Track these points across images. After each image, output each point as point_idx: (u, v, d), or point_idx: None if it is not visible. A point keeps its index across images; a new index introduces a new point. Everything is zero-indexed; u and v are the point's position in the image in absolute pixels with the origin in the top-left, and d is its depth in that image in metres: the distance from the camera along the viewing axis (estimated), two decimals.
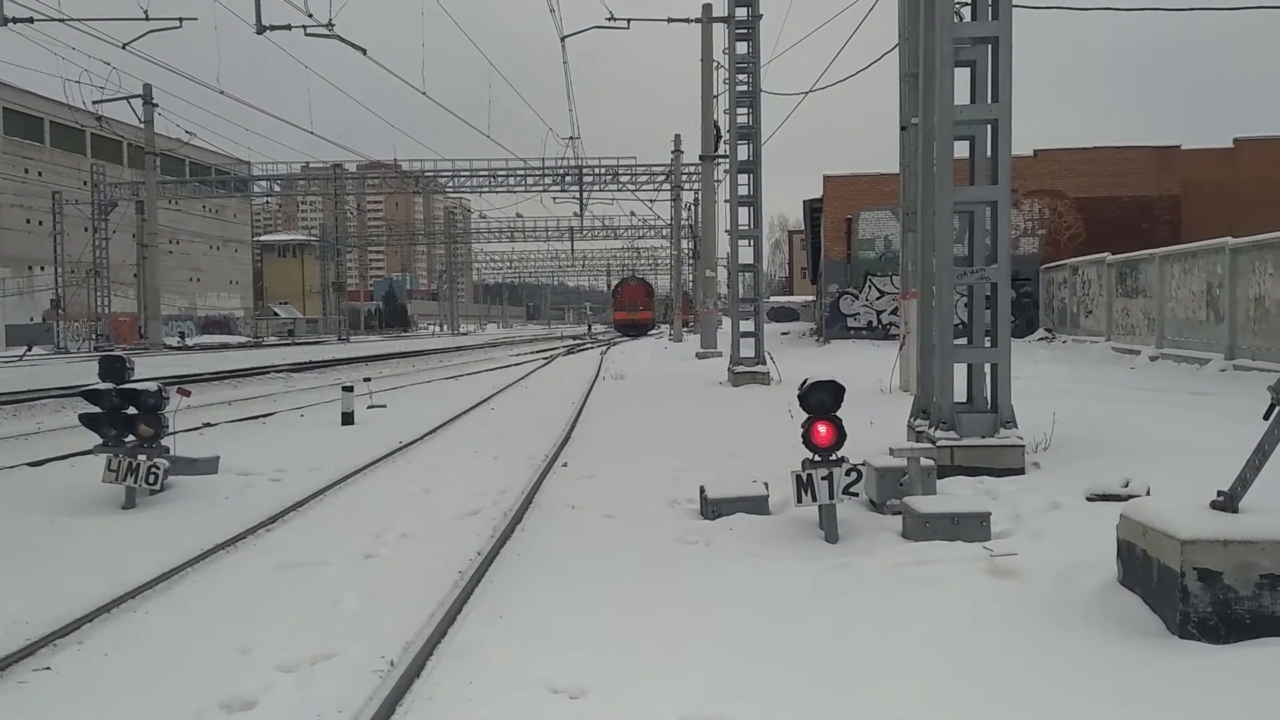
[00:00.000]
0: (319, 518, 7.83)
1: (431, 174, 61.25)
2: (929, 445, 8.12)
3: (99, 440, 8.39)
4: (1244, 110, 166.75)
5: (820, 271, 34.44)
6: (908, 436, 9.26)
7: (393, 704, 3.95)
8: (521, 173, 57.32)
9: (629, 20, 26.07)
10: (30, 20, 29.11)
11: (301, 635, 4.89)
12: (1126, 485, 6.94)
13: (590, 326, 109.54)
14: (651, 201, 75.92)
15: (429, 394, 19.99)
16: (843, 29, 18.08)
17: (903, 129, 15.12)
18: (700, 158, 31.15)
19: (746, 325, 21.16)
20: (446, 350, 45.17)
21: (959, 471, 8.19)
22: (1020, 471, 8.25)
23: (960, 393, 8.91)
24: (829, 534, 6.50)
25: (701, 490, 7.52)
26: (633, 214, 75.61)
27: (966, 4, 9.06)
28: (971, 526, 6.15)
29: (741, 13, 20.62)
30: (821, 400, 6.53)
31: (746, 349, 20.82)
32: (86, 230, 55.66)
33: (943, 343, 8.70)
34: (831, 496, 6.41)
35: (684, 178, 53.39)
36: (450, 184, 62.19)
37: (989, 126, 8.72)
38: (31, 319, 57.52)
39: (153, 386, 8.49)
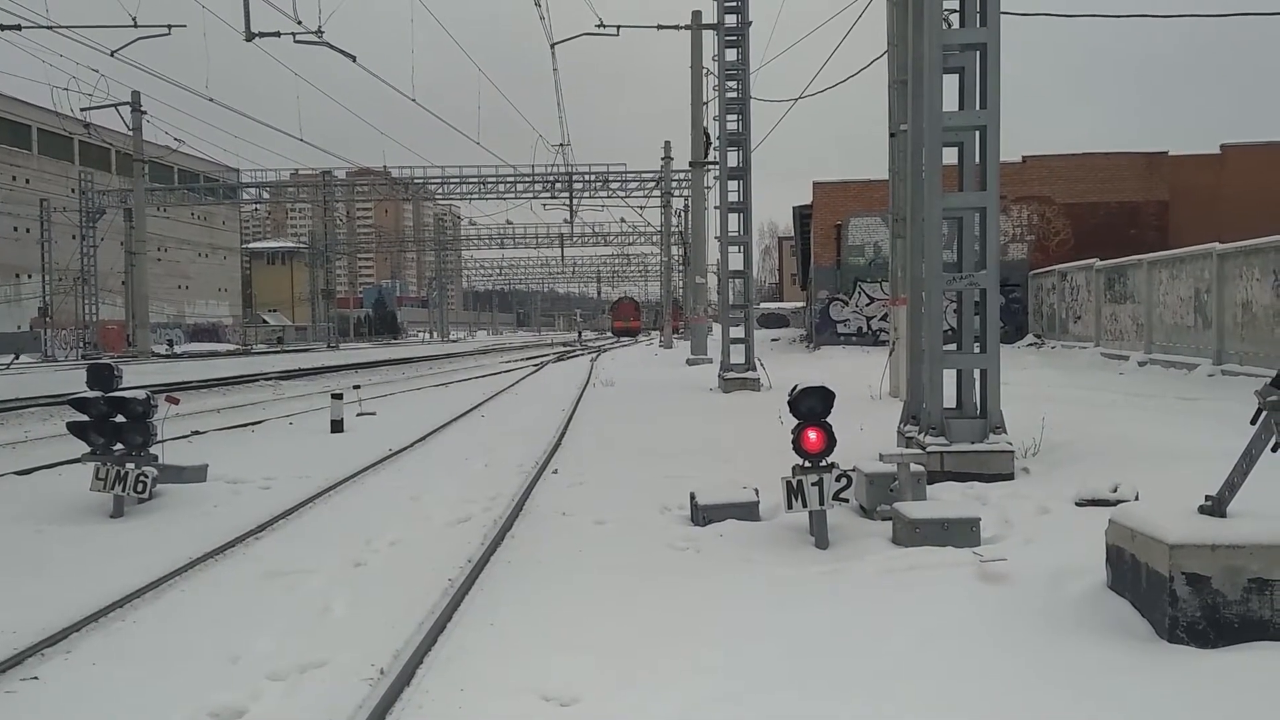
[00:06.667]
0: (308, 525, 7.80)
1: (421, 181, 60.97)
2: (919, 451, 8.15)
3: (87, 448, 8.35)
4: (1231, 117, 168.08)
5: (810, 278, 34.53)
6: (897, 442, 9.28)
7: (383, 712, 3.93)
8: (511, 179, 57.15)
9: (618, 27, 26.08)
10: (18, 27, 29.02)
11: (291, 643, 4.87)
12: (1115, 490, 6.98)
13: (580, 333, 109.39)
14: (641, 208, 76.27)
15: (419, 401, 19.94)
16: (832, 36, 18.20)
17: (892, 135, 15.17)
18: (690, 164, 31.18)
19: (737, 331, 21.21)
20: (436, 357, 45.03)
21: (949, 477, 8.21)
22: (1010, 477, 8.27)
23: (950, 398, 8.93)
24: (819, 540, 6.51)
25: (692, 496, 7.52)
26: (623, 220, 75.85)
27: (955, 11, 9.11)
28: (961, 532, 6.17)
29: (731, 20, 20.72)
30: (811, 406, 6.54)
31: (737, 355, 20.86)
32: (74, 238, 55.41)
33: (932, 348, 8.72)
34: (822, 502, 6.42)
35: (674, 184, 53.51)
36: (440, 191, 61.90)
37: (978, 133, 8.76)
38: (19, 327, 57.21)
39: (141, 394, 8.46)
